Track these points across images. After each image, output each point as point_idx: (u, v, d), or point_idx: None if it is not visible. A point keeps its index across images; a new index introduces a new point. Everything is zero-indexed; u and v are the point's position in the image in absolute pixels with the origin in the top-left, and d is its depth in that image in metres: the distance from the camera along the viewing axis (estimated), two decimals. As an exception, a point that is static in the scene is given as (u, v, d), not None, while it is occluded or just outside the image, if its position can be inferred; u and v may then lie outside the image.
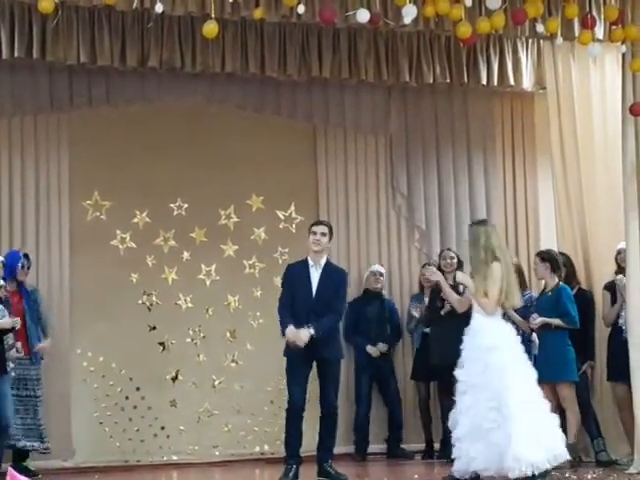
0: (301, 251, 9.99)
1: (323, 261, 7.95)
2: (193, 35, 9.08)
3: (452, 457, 7.27)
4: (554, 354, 8.41)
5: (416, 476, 7.76)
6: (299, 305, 7.78)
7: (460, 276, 7.43)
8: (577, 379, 8.47)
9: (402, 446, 9.82)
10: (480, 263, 7.32)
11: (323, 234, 7.96)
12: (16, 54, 8.69)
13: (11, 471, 2.97)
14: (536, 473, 6.98)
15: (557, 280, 8.59)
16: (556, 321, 8.44)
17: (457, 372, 7.29)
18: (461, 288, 7.40)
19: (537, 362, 8.61)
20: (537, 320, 8.51)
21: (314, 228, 8.00)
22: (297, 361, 7.72)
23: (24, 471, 8.50)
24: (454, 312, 8.01)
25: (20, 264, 8.76)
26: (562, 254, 8.95)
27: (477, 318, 7.34)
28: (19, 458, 8.72)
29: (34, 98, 9.45)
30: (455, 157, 10.48)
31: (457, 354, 7.35)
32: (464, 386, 7.21)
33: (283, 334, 7.77)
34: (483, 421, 7.06)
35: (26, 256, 8.94)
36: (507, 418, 7.00)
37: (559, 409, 8.57)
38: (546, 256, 8.71)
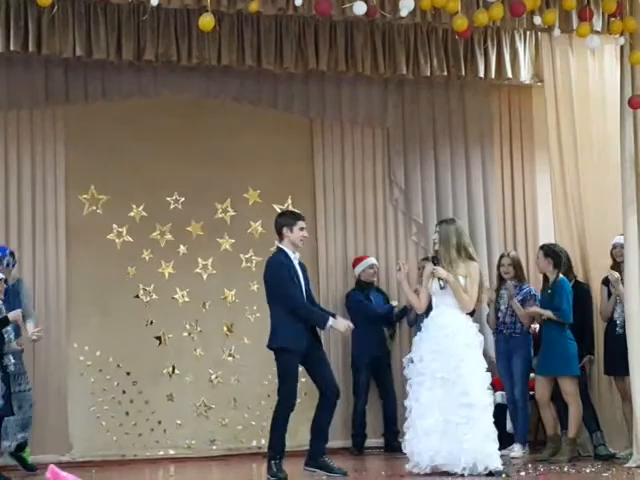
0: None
1: (298, 254, 7.84)
2: (189, 28, 9.05)
3: (406, 451, 7.43)
4: (556, 348, 8.40)
5: (414, 470, 7.72)
6: None
7: (441, 272, 7.47)
8: (579, 373, 8.47)
9: (400, 440, 9.79)
10: (452, 261, 7.46)
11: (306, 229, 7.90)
12: (12, 48, 8.66)
13: (53, 468, 2.91)
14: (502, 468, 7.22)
15: (558, 275, 8.58)
16: (548, 313, 8.44)
17: (432, 366, 7.35)
18: (442, 283, 7.46)
19: (539, 355, 8.62)
20: (531, 309, 8.51)
21: (303, 223, 7.76)
22: (296, 357, 7.57)
23: (22, 462, 8.53)
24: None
25: (5, 262, 8.71)
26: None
27: (453, 314, 7.48)
28: (18, 449, 8.71)
29: (30, 92, 9.43)
30: (453, 150, 10.45)
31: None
32: (438, 381, 7.27)
33: (323, 327, 7.59)
34: (453, 416, 7.14)
35: (12, 254, 8.88)
36: (479, 415, 7.12)
37: (554, 402, 8.58)
38: (549, 252, 8.68)
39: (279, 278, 7.64)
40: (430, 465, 7.26)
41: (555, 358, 8.37)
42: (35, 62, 9.32)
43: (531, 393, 9.03)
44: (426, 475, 7.28)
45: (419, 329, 9.67)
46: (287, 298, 7.59)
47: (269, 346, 7.65)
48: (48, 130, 9.60)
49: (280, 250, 7.74)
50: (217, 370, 9.92)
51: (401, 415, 9.84)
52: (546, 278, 8.77)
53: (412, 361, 7.55)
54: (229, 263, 10.05)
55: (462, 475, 7.15)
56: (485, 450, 7.18)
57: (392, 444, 9.76)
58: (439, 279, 7.48)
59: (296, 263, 7.71)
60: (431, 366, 7.35)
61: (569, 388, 8.40)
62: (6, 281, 8.68)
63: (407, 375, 7.59)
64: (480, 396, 7.26)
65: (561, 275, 8.57)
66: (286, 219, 7.76)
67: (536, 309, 8.53)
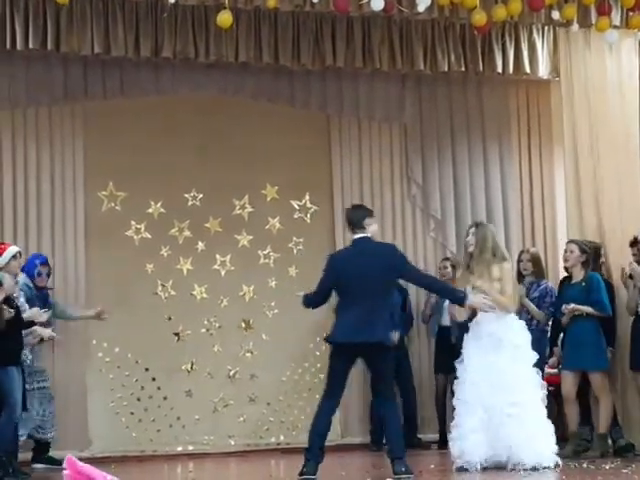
0: (316, 241, 9.99)
1: None
2: (207, 25, 9.06)
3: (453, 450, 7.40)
4: (586, 343, 8.30)
5: (432, 466, 7.75)
6: None
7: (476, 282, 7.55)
8: (608, 368, 8.41)
9: (418, 436, 9.79)
10: (488, 263, 7.53)
11: None
12: (31, 45, 8.71)
13: (70, 458, 2.86)
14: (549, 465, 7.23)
15: (584, 271, 8.53)
16: (587, 309, 8.36)
17: (478, 365, 7.40)
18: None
19: (566, 350, 8.55)
20: (570, 307, 8.41)
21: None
22: None
23: (50, 461, 8.56)
24: None
25: (36, 272, 8.76)
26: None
27: (497, 318, 7.46)
28: (42, 450, 8.75)
29: (49, 89, 9.47)
30: (470, 146, 10.44)
31: None
32: (484, 380, 7.29)
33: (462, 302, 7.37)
34: (500, 414, 7.17)
35: (44, 263, 8.94)
36: (527, 413, 7.17)
37: (579, 396, 8.53)
38: (587, 249, 8.60)
39: (409, 262, 7.39)
40: (480, 462, 7.25)
41: (586, 353, 8.28)
42: (54, 60, 9.36)
43: (550, 389, 9.00)
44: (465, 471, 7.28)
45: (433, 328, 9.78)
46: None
47: (382, 342, 7.04)
48: (67, 127, 9.64)
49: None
50: (235, 366, 9.93)
51: (422, 411, 9.92)
52: (567, 274, 8.73)
53: (462, 361, 7.59)
54: (247, 259, 10.06)
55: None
56: (531, 447, 7.19)
57: (411, 440, 9.75)
58: (473, 287, 7.51)
59: None
60: (476, 365, 7.39)
61: (599, 383, 8.32)
62: (44, 289, 8.75)
63: (457, 375, 7.62)
64: (528, 395, 7.32)
65: (589, 271, 8.54)
66: (365, 210, 7.46)
67: (575, 306, 8.42)
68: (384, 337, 7.05)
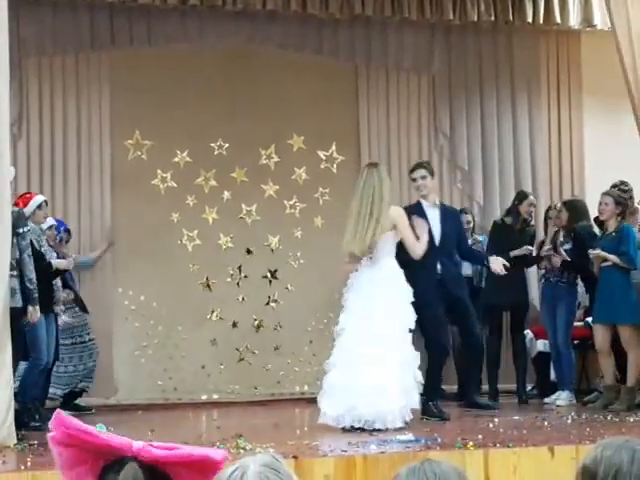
0: (342, 191, 9.96)
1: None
2: (234, -28, 8.99)
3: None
4: (616, 295, 8.20)
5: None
6: None
7: None
8: (638, 321, 8.33)
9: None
10: None
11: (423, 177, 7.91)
12: (57, -8, 8.67)
13: (59, 414, 2.63)
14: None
15: (621, 222, 8.43)
16: (613, 257, 8.28)
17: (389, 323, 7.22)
18: None
19: (596, 302, 8.46)
20: (595, 252, 8.33)
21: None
22: None
23: (76, 409, 8.65)
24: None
25: (59, 238, 8.76)
26: None
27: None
28: (70, 398, 8.83)
29: (75, 37, 9.44)
30: (499, 97, 10.34)
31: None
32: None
33: None
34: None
35: (67, 231, 8.96)
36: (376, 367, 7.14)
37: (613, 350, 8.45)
38: (622, 201, 8.50)
39: None
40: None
41: (615, 305, 8.17)
42: (80, 7, 9.32)
43: (575, 342, 8.98)
44: None
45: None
46: None
47: None
48: (93, 75, 9.62)
49: None
50: (260, 316, 9.95)
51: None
52: (601, 225, 8.64)
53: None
54: (273, 209, 10.04)
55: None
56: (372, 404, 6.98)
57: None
58: None
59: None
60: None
61: (629, 336, 8.23)
62: (59, 254, 8.75)
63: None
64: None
65: (625, 222, 8.44)
66: None
67: (600, 253, 8.35)
68: None
